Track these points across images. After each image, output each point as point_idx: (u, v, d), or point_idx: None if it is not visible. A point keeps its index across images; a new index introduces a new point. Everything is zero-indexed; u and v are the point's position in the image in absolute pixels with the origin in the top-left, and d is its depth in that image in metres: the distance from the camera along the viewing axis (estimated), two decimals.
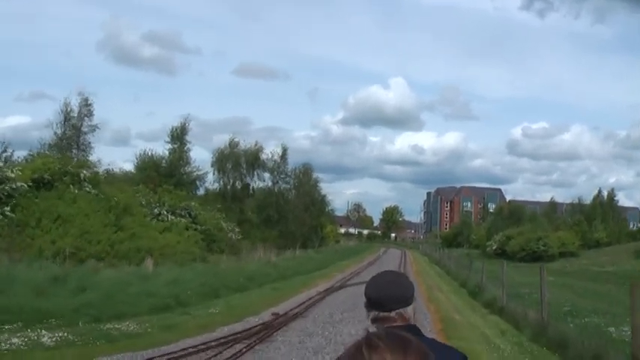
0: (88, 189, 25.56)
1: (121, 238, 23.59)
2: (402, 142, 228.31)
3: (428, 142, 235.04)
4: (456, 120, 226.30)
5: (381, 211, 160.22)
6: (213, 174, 49.50)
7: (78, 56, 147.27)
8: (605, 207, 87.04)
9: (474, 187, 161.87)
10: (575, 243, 69.06)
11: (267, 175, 55.38)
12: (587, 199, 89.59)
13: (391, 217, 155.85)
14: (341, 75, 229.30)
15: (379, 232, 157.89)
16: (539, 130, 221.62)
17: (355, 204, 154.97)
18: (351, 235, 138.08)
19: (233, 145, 50.11)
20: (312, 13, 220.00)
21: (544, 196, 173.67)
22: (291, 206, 59.28)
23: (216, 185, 49.71)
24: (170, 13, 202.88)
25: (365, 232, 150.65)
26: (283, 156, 57.27)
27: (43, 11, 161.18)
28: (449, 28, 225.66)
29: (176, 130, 45.25)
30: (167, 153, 44.80)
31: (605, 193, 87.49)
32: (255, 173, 51.19)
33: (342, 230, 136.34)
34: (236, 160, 49.69)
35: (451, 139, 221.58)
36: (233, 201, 48.67)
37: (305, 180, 67.15)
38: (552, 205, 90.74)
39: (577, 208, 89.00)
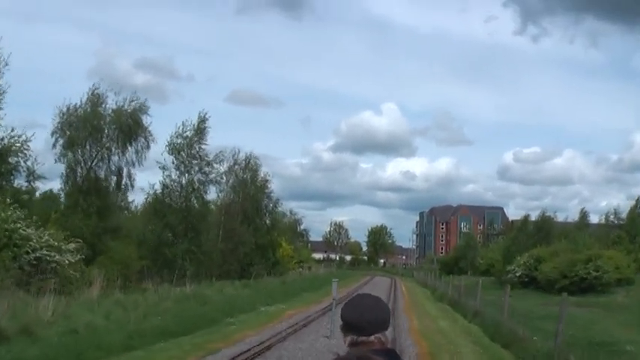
0: None
1: None
2: (394, 169, 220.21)
3: (419, 168, 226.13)
4: (448, 145, 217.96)
5: (367, 232, 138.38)
6: (55, 147, 28.44)
7: (69, 83, 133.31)
8: None
9: (473, 206, 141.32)
10: (631, 266, 48.94)
11: (166, 157, 33.79)
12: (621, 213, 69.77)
13: (378, 238, 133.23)
14: (333, 101, 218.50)
15: (365, 257, 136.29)
16: (531, 155, 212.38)
17: (336, 224, 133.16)
18: (332, 261, 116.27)
19: (94, 100, 28.65)
20: (305, 40, 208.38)
21: None
22: (215, 215, 38.43)
23: (58, 168, 28.45)
24: (162, 40, 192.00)
25: (348, 257, 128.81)
26: (199, 131, 34.25)
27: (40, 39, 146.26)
28: (442, 53, 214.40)
29: None
30: None
31: None
32: (134, 150, 29.47)
33: (321, 256, 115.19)
34: (96, 126, 28.44)
35: (443, 164, 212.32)
36: (87, 196, 27.56)
37: (248, 176, 45.49)
38: (583, 219, 70.14)
39: (613, 224, 68.91)
